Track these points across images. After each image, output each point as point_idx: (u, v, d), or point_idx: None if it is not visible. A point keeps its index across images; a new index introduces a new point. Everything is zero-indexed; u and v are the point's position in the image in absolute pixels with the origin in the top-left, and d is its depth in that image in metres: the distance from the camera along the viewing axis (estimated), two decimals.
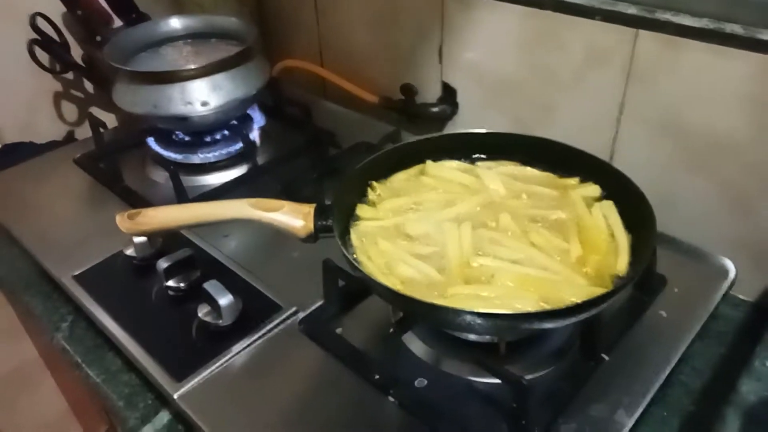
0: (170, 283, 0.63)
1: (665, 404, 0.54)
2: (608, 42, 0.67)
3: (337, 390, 0.53)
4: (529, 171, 0.63)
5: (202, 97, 0.77)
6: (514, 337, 0.55)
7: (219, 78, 0.78)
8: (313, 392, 0.54)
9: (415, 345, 0.56)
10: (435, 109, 0.86)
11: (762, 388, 0.50)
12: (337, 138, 0.87)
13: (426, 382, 0.53)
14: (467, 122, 0.86)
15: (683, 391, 0.56)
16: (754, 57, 0.58)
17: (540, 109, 0.78)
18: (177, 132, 0.84)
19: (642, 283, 0.59)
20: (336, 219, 0.54)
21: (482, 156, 0.64)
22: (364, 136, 0.85)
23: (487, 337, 0.54)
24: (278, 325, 0.59)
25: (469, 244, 0.53)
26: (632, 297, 0.59)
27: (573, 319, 0.46)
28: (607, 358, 0.54)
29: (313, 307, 0.60)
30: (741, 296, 0.66)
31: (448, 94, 0.85)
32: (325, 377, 0.55)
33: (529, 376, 0.51)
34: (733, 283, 0.62)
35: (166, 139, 0.84)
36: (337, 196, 0.56)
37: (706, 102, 0.63)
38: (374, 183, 0.61)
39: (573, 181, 0.61)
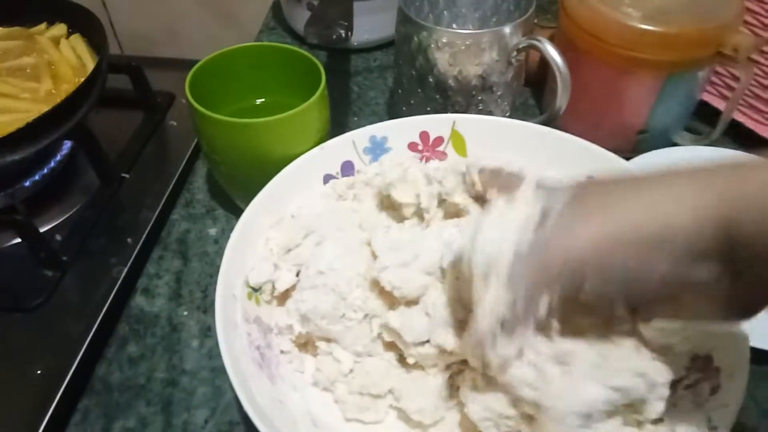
0: None
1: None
2: None
3: None
4: None
5: None
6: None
7: None
8: None
9: None
10: None
11: None
12: None
13: None
14: None
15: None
16: None
17: None
18: None
19: (147, 104, 0.64)
20: None
21: None
22: None
23: None
24: None
25: None
26: (145, 118, 0.64)
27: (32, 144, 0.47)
28: (127, 176, 0.58)
29: None
30: None
31: None
32: None
33: (59, 219, 0.54)
34: None
35: None
36: None
37: None
38: None
39: (41, 27, 0.60)
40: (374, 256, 0.36)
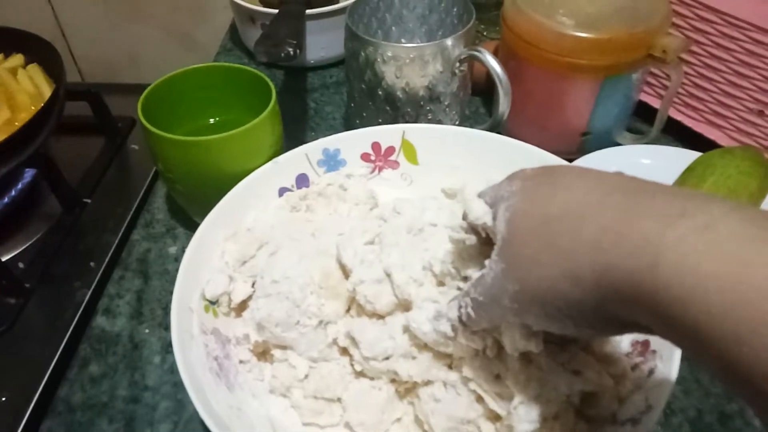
0: None
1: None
2: None
3: None
4: None
5: None
6: None
7: None
8: None
9: None
10: None
11: None
12: None
13: None
14: None
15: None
16: None
17: None
18: None
19: (107, 129, 0.65)
20: None
21: None
22: None
23: None
24: None
25: None
26: (106, 143, 0.64)
27: None
28: (89, 201, 0.58)
29: None
30: None
31: None
32: None
33: (22, 247, 0.54)
34: None
35: None
36: None
37: None
38: None
39: None
40: (345, 271, 0.37)
